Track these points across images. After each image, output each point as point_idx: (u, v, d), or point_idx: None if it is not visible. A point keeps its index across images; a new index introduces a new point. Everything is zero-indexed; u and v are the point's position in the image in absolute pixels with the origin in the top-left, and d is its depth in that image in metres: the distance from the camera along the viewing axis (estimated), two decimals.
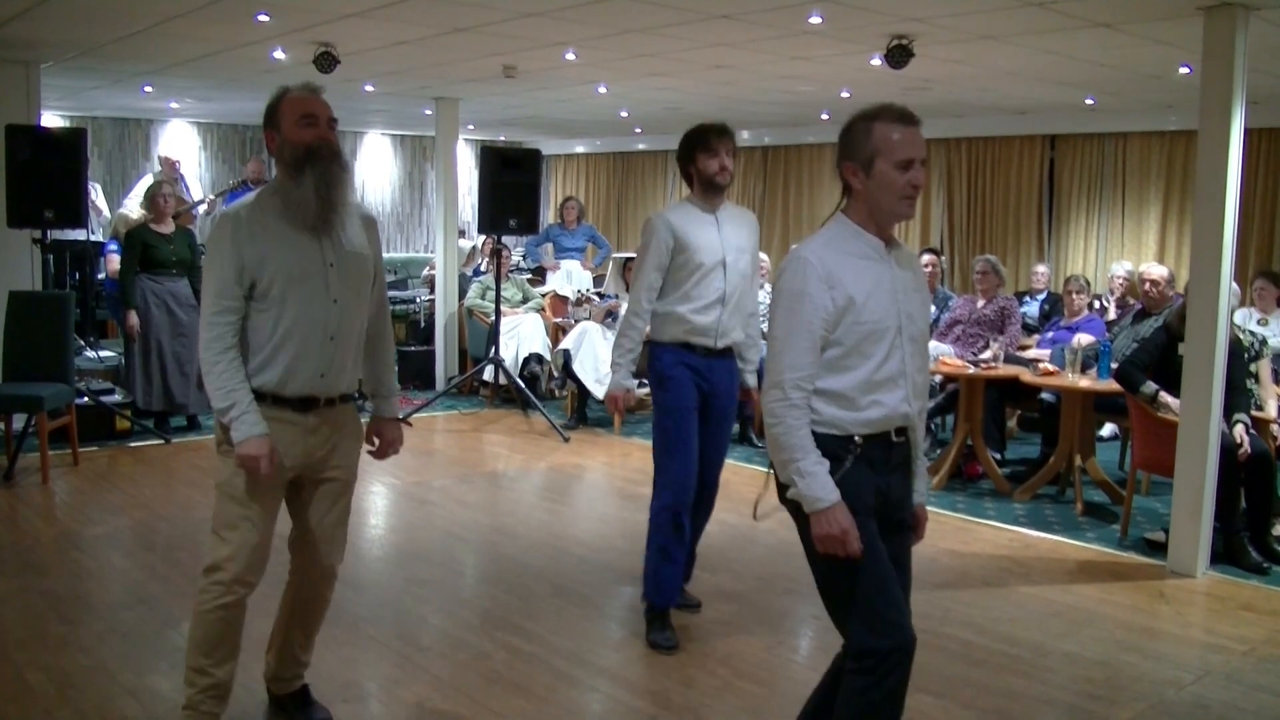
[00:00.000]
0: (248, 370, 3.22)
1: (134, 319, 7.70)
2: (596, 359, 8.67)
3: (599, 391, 8.89)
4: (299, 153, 3.20)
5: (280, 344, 3.22)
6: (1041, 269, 9.91)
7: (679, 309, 4.39)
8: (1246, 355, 6.09)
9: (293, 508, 3.48)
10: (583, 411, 8.93)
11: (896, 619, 2.70)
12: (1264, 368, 6.13)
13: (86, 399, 7.61)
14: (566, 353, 8.83)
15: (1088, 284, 8.22)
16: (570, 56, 7.93)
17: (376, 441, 3.64)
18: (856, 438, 2.72)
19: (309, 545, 3.48)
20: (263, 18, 6.65)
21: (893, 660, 2.69)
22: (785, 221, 13.92)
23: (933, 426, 8.17)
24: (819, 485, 2.64)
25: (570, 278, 11.16)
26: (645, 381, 9.65)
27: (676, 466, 4.40)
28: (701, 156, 4.37)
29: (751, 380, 4.58)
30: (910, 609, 2.80)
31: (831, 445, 2.70)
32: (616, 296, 9.51)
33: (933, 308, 8.66)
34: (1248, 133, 5.47)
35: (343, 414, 3.43)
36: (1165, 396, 5.70)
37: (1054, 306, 9.26)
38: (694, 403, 4.40)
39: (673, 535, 4.39)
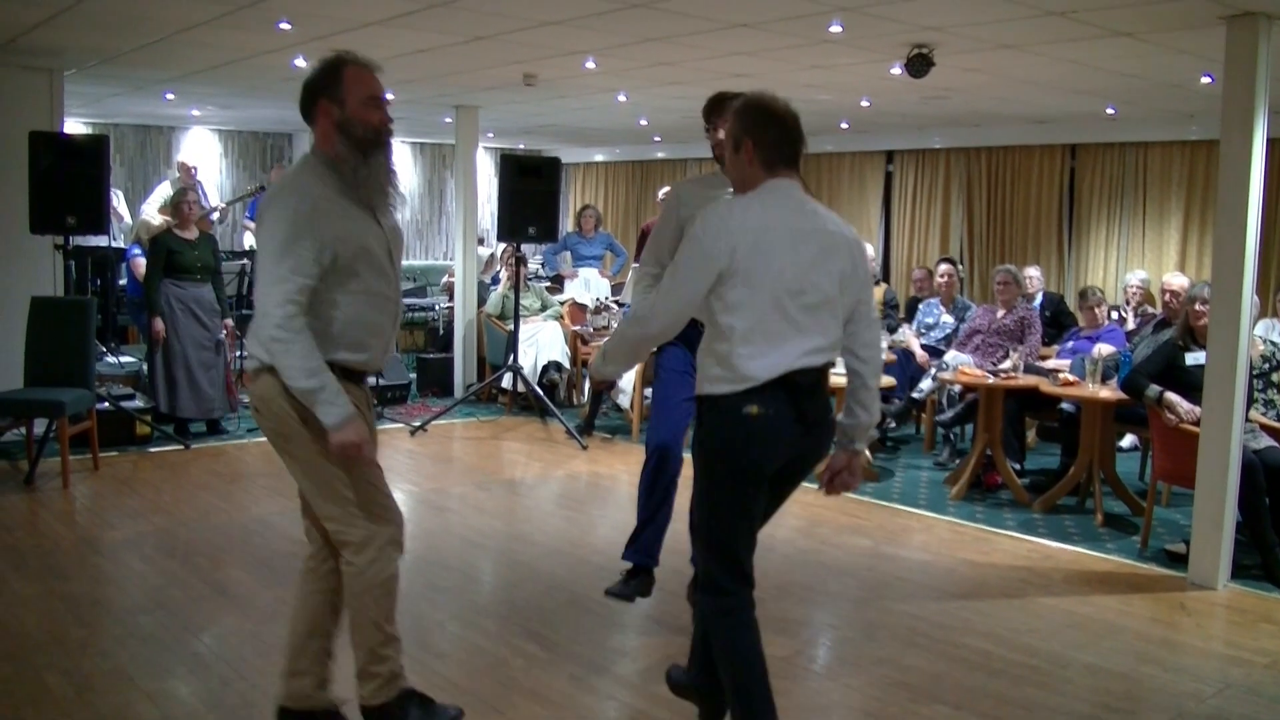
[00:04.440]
0: (332, 346, 3.14)
1: (160, 325, 7.75)
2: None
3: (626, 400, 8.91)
4: (370, 134, 3.17)
5: (363, 322, 3.19)
6: (1033, 272, 9.51)
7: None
8: (1266, 365, 6.08)
9: None
10: (592, 421, 8.90)
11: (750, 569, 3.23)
12: None
13: (107, 404, 7.64)
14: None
15: (1102, 294, 8.18)
16: (590, 65, 7.94)
17: None
18: None
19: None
20: (284, 26, 6.68)
21: (743, 598, 3.20)
22: None
23: (952, 436, 8.14)
24: None
25: (588, 285, 11.19)
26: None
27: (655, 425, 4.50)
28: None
29: None
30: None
31: None
32: None
33: (950, 318, 8.63)
34: (1270, 143, 5.44)
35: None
36: (1170, 395, 5.68)
37: (1056, 311, 9.18)
38: (684, 366, 4.27)
39: (648, 497, 4.49)
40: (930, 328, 8.65)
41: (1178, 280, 7.16)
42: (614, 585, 4.56)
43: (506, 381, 9.55)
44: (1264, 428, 5.83)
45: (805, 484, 3.41)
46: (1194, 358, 5.73)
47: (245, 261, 11.18)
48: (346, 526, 3.18)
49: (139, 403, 8.05)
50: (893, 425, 8.54)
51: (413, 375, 10.54)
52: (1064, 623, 4.83)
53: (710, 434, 3.15)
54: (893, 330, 8.68)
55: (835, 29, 6.31)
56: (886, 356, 8.09)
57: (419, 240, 15.92)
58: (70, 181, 7.35)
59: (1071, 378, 6.84)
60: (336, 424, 3.04)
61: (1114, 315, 8.53)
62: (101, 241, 9.53)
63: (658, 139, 14.44)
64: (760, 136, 3.15)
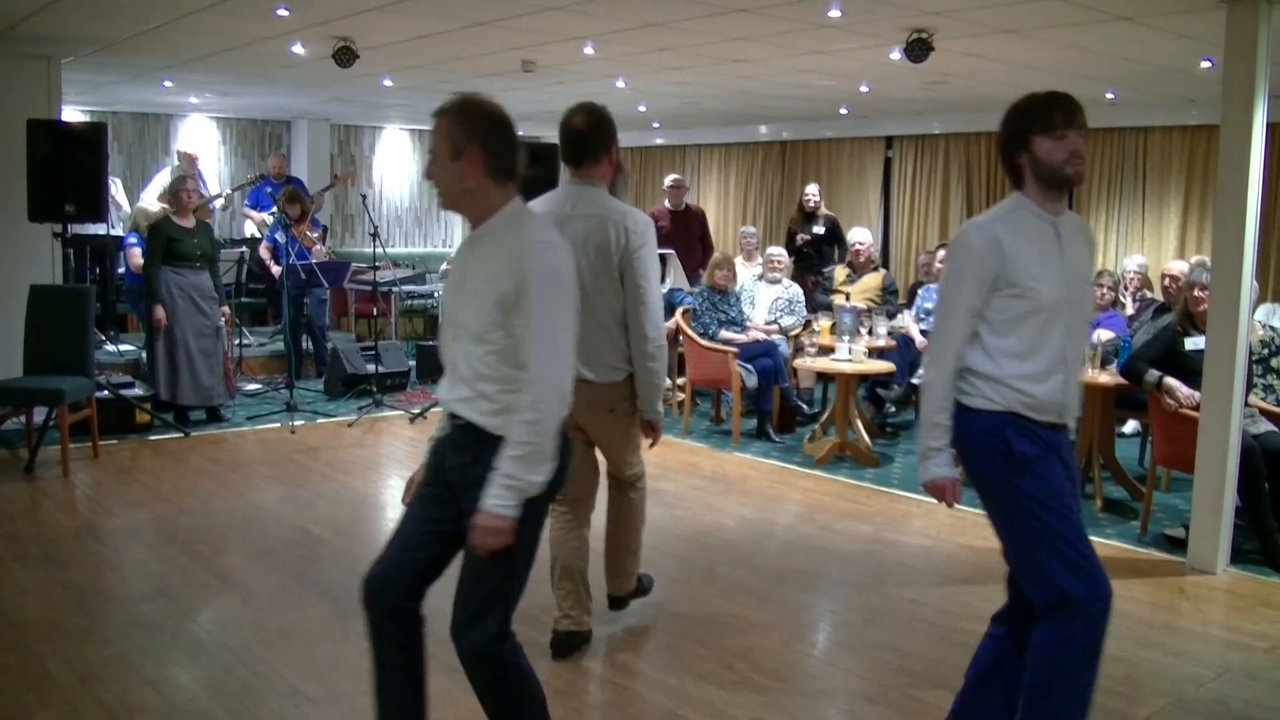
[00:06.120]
0: None
1: (160, 312, 7.75)
2: None
3: None
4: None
5: None
6: None
7: (1013, 371, 3.12)
8: (1266, 350, 6.08)
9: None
10: None
11: None
12: None
13: (106, 392, 7.64)
14: None
15: (1115, 281, 8.13)
16: (589, 51, 7.92)
17: None
18: None
19: None
20: (282, 12, 6.66)
21: None
22: None
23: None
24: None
25: None
26: None
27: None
28: (1040, 139, 3.21)
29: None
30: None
31: None
32: None
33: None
34: (1270, 127, 5.43)
35: None
36: (1170, 380, 5.67)
37: None
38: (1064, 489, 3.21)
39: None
40: (930, 313, 8.64)
41: (1177, 266, 7.15)
42: None
43: None
44: (1263, 412, 5.83)
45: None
46: (1193, 343, 5.72)
47: (244, 249, 11.17)
48: (637, 468, 4.38)
49: (138, 390, 8.04)
50: (893, 410, 8.54)
51: (412, 363, 10.54)
52: None
53: None
54: (892, 316, 8.68)
55: (834, 14, 6.30)
56: (886, 343, 8.10)
57: (418, 227, 15.91)
58: (68, 170, 7.33)
59: None
60: None
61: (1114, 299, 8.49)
62: (100, 230, 9.52)
63: (657, 125, 14.40)
64: (490, 145, 2.73)
